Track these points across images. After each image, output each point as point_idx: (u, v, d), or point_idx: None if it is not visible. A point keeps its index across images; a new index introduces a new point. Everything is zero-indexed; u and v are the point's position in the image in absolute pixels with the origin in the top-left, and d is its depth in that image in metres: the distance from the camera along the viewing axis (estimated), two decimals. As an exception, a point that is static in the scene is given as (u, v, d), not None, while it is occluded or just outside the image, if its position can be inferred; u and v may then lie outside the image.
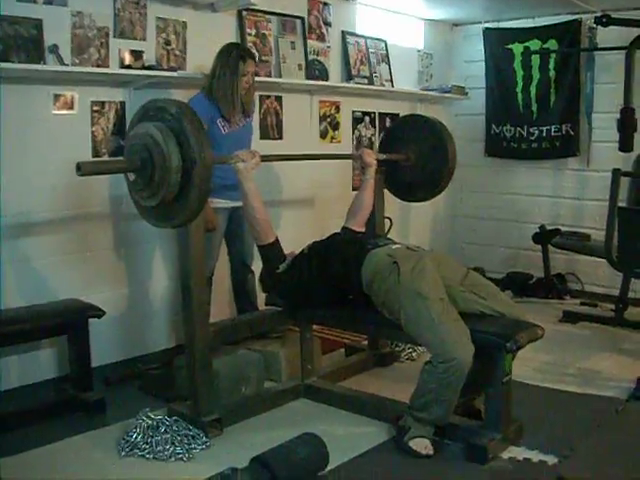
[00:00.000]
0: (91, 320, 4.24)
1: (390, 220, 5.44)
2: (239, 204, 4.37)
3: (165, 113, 3.51)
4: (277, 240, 4.19)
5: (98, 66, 4.54)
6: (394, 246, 4.10)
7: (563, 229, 6.59)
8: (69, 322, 4.19)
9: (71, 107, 4.50)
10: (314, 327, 4.62)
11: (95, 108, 4.60)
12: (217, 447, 3.76)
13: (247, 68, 4.65)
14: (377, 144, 6.12)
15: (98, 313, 4.24)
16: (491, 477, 3.49)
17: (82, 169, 3.35)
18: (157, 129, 3.45)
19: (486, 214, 7.48)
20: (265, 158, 4.15)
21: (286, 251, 4.27)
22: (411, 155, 5.03)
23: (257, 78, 5.30)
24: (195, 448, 3.70)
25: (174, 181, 3.43)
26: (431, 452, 3.63)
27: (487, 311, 3.88)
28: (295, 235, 5.81)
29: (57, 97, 4.43)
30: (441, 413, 3.63)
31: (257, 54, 5.40)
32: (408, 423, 3.69)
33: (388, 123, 6.73)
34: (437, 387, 3.54)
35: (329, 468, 3.31)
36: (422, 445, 3.63)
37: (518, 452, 3.68)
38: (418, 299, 3.64)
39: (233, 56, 4.64)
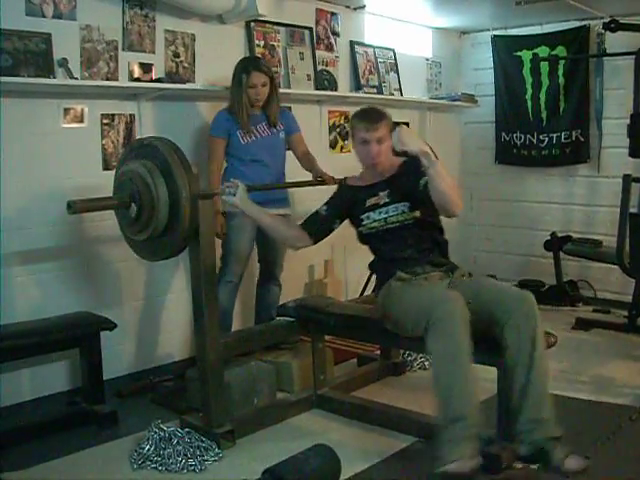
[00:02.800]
0: (103, 333, 4.24)
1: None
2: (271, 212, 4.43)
3: (152, 150, 3.65)
4: (313, 233, 4.16)
5: (107, 79, 4.56)
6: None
7: (574, 236, 6.57)
8: (81, 335, 4.19)
9: (81, 120, 4.52)
10: (326, 337, 4.61)
11: (105, 121, 4.62)
12: (230, 459, 3.76)
13: (252, 80, 4.68)
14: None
15: (110, 326, 4.24)
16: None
17: (73, 207, 3.52)
18: (144, 167, 3.60)
19: (497, 222, 7.46)
20: (250, 187, 4.18)
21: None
22: None
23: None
24: (207, 460, 3.69)
25: (162, 216, 3.59)
26: (474, 465, 3.19)
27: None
28: (309, 248, 5.82)
29: (67, 111, 4.45)
30: (458, 404, 3.26)
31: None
32: (440, 453, 3.23)
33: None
34: (438, 369, 3.35)
35: (343, 478, 3.32)
36: (461, 466, 3.15)
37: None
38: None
39: (238, 70, 4.73)
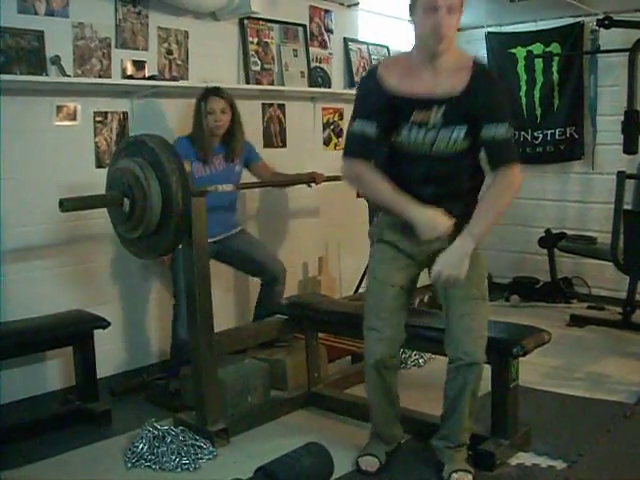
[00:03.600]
0: (96, 331, 4.23)
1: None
2: (219, 238, 4.55)
3: (144, 148, 3.62)
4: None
5: (100, 77, 4.55)
6: None
7: (569, 232, 6.57)
8: (74, 333, 4.18)
9: (74, 118, 4.50)
10: (320, 335, 4.60)
11: (98, 119, 4.60)
12: (224, 457, 3.76)
13: (210, 105, 4.58)
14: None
15: (103, 324, 4.23)
16: (499, 483, 3.48)
17: (65, 205, 3.49)
18: (137, 164, 3.58)
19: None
20: (242, 186, 4.16)
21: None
22: None
23: (260, 86, 5.33)
24: (202, 458, 3.69)
25: (155, 213, 3.57)
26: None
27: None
28: (303, 245, 5.83)
29: (59, 108, 4.44)
30: (376, 422, 3.80)
31: (260, 62, 5.41)
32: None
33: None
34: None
35: (335, 477, 3.32)
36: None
37: (526, 458, 3.67)
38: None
39: (198, 98, 4.63)
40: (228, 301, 5.25)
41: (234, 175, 4.78)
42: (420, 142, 3.19)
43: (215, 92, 4.61)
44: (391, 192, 3.21)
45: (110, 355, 4.65)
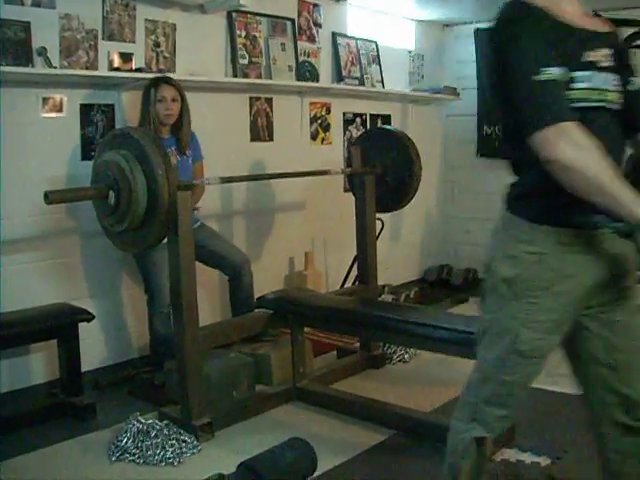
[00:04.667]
0: (81, 324, 4.21)
1: (382, 222, 5.45)
2: None
3: (130, 140, 3.61)
4: None
5: (87, 69, 4.52)
6: None
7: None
8: (58, 326, 4.15)
9: (60, 110, 4.48)
10: (305, 329, 4.59)
11: (84, 111, 4.58)
12: (208, 451, 3.74)
13: (161, 93, 4.44)
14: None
15: (87, 317, 4.21)
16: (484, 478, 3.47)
17: (50, 198, 3.48)
18: (122, 157, 3.57)
19: (479, 215, 7.45)
20: (228, 179, 4.12)
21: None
22: (378, 168, 5.03)
23: (247, 80, 5.30)
24: (186, 452, 3.68)
25: (140, 206, 3.56)
26: None
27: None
28: (289, 239, 5.82)
29: (46, 100, 4.41)
30: None
31: (247, 56, 5.39)
32: None
33: (379, 124, 6.71)
34: None
35: (320, 471, 3.31)
36: None
37: (510, 454, 3.66)
38: None
39: (146, 85, 4.49)
40: (213, 295, 5.23)
41: (188, 168, 4.64)
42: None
43: (166, 80, 4.51)
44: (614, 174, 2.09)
45: (94, 349, 4.63)
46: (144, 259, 4.50)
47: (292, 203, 5.95)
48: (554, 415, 4.18)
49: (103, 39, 4.62)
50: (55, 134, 4.46)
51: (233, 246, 4.97)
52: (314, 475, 3.23)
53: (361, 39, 6.53)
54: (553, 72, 2.08)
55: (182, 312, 3.81)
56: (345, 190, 5.65)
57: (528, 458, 3.63)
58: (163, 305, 4.48)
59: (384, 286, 6.10)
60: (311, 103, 6.11)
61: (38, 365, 4.49)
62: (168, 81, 4.49)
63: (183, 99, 4.55)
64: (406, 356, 5.09)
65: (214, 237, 4.82)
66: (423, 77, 7.30)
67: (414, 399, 4.28)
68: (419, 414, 4.03)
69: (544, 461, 3.61)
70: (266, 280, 5.24)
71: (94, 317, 4.24)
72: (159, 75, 4.59)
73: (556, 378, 4.73)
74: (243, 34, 5.42)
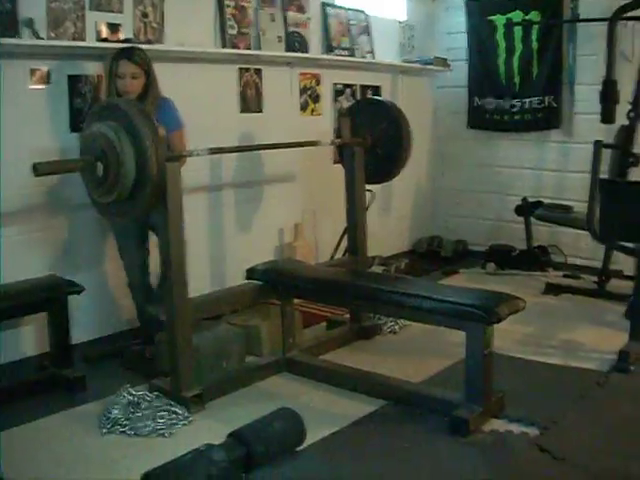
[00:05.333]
0: (71, 297, 4.20)
1: (372, 193, 5.43)
2: None
3: (118, 112, 3.60)
4: None
5: (74, 39, 4.46)
6: None
7: (545, 201, 6.58)
8: (48, 299, 4.14)
9: (48, 81, 4.43)
10: (295, 301, 4.59)
11: (72, 82, 4.53)
12: (198, 422, 3.75)
13: (120, 69, 4.30)
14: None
15: (77, 289, 4.20)
16: (473, 449, 3.49)
17: (38, 170, 3.47)
18: (110, 128, 3.56)
19: (468, 187, 7.46)
20: (216, 150, 4.09)
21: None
22: (367, 139, 5.01)
23: (236, 51, 5.27)
24: (177, 424, 3.68)
25: (128, 177, 3.55)
26: None
27: None
28: (279, 211, 5.81)
29: (33, 72, 4.36)
30: None
31: (236, 26, 5.34)
32: None
33: (370, 95, 6.67)
34: None
35: (310, 442, 3.32)
36: None
37: (500, 424, 3.69)
38: None
39: (111, 57, 4.37)
40: (202, 265, 5.22)
41: None
42: None
43: (128, 55, 4.32)
44: None
45: (83, 321, 4.61)
46: (120, 236, 4.46)
47: (282, 175, 5.93)
48: (543, 386, 4.21)
49: (91, 9, 4.56)
50: (43, 106, 4.42)
51: None
52: (304, 445, 3.26)
53: (351, 9, 6.49)
54: None
55: (172, 284, 3.81)
56: (335, 161, 5.62)
57: (517, 429, 3.65)
58: (133, 280, 4.46)
59: (374, 257, 6.09)
60: (301, 74, 6.07)
61: (29, 338, 4.48)
62: (130, 57, 4.31)
63: (148, 74, 4.39)
64: (396, 327, 5.10)
65: None
66: (414, 48, 7.26)
67: (404, 370, 4.29)
68: (409, 385, 4.05)
69: (533, 432, 3.63)
70: (256, 252, 5.24)
71: (84, 289, 4.22)
72: (125, 46, 4.45)
73: (545, 350, 4.80)
74: (232, 4, 5.37)
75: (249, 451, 2.14)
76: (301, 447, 3.09)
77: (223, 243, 5.24)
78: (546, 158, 6.96)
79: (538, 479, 3.28)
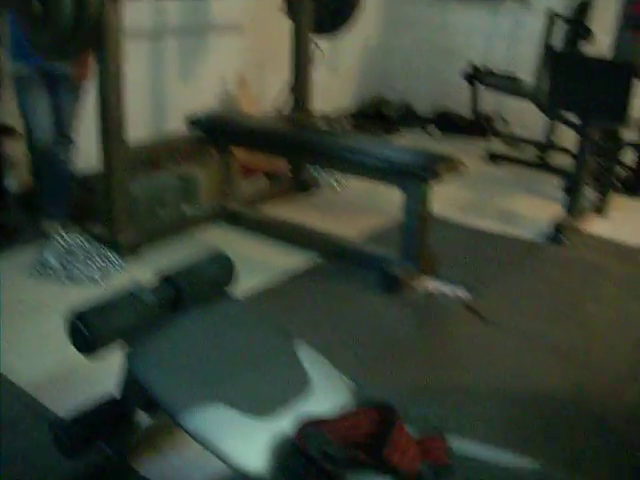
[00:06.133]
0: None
1: (320, 49, 5.29)
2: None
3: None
4: None
5: None
6: None
7: (495, 70, 6.50)
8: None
9: None
10: (235, 152, 4.52)
11: None
12: (132, 269, 3.74)
13: None
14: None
15: (10, 131, 4.08)
16: (404, 306, 3.54)
17: None
18: None
19: (419, 50, 7.33)
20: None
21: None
22: None
23: None
24: (110, 271, 3.69)
25: (66, 17, 3.35)
26: None
27: None
28: (223, 62, 5.65)
29: None
30: None
31: None
32: None
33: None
34: None
35: (246, 292, 3.36)
36: None
37: (432, 284, 3.75)
38: None
39: None
40: (143, 115, 5.08)
41: None
42: None
43: None
44: None
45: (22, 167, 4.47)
46: (24, 98, 4.22)
47: (228, 24, 5.73)
48: (479, 252, 4.26)
49: None
50: None
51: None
52: (241, 295, 3.26)
53: None
54: None
55: (110, 128, 3.72)
56: (284, 12, 5.44)
57: (449, 289, 3.70)
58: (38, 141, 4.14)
59: (318, 115, 6.01)
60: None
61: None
62: None
63: None
64: (335, 183, 5.08)
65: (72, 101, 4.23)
66: None
67: (341, 226, 4.30)
68: (345, 241, 4.06)
69: (464, 293, 3.68)
70: (199, 102, 5.11)
71: (17, 132, 4.12)
72: None
73: (484, 217, 4.83)
74: None
75: (178, 292, 2.11)
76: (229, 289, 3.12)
77: (165, 92, 5.09)
78: (499, 26, 6.84)
79: (466, 339, 3.35)
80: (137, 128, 4.63)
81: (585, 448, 2.61)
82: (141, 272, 3.69)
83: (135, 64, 4.53)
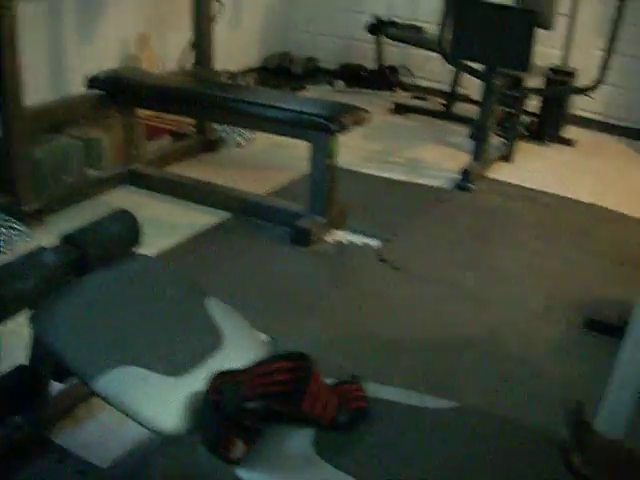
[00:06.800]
0: None
1: (220, 3, 5.21)
2: None
3: None
4: None
5: None
6: None
7: (398, 20, 6.51)
8: None
9: None
10: (139, 113, 4.43)
11: None
12: (38, 238, 3.64)
13: None
14: None
15: None
16: (315, 259, 3.55)
17: None
18: None
19: (324, 4, 7.28)
20: None
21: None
22: None
23: None
24: (16, 240, 3.59)
25: None
26: None
27: None
28: (121, 20, 5.50)
29: None
30: None
31: None
32: None
33: None
34: None
35: (154, 252, 3.30)
36: None
37: (342, 235, 3.77)
38: None
39: None
40: (41, 77, 4.94)
41: None
42: None
43: None
44: None
45: None
46: None
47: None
48: (387, 201, 4.30)
49: None
50: None
51: None
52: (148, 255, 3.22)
53: None
54: None
55: (6, 89, 3.58)
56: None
57: (359, 240, 3.74)
58: None
59: (222, 72, 5.94)
60: None
61: None
62: None
63: None
64: (242, 140, 5.04)
65: None
66: None
67: (249, 182, 4.28)
68: (253, 196, 4.04)
69: (374, 243, 3.72)
70: (98, 63, 4.98)
71: None
72: None
73: (391, 166, 4.87)
74: None
75: (83, 253, 2.06)
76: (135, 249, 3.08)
77: (63, 53, 4.94)
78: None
79: (378, 287, 3.38)
80: (37, 92, 4.51)
81: (504, 388, 2.67)
82: (47, 239, 3.60)
83: (31, 25, 4.41)
